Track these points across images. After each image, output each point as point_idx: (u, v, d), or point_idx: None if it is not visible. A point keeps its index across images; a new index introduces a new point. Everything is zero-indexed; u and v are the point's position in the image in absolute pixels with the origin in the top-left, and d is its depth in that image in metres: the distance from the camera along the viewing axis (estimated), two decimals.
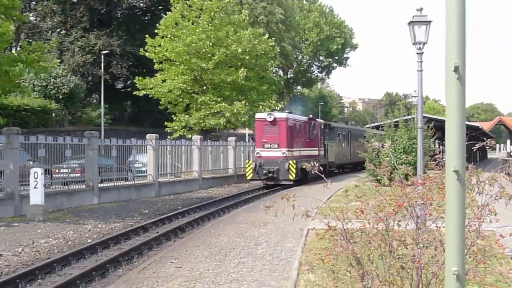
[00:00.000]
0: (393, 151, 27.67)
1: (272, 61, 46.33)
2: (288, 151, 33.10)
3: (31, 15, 56.25)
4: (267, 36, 44.23)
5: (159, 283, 10.16)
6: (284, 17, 62.99)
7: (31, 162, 22.46)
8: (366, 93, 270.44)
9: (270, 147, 33.07)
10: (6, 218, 19.58)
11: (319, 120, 41.90)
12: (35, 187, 19.72)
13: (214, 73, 39.29)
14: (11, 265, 12.86)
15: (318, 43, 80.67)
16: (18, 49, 24.42)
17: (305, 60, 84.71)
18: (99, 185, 25.99)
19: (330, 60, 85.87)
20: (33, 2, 54.48)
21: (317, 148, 38.69)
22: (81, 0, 53.68)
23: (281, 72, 76.57)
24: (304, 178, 33.82)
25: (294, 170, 31.95)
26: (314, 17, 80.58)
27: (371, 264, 7.08)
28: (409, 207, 6.75)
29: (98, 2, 53.81)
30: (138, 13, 60.20)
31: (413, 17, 14.99)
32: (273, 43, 44.31)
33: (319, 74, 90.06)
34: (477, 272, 6.67)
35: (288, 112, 36.12)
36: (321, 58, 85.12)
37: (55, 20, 55.63)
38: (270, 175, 32.46)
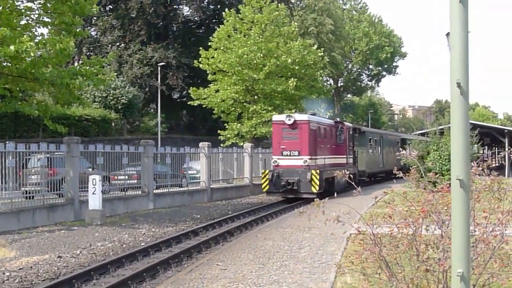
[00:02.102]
0: (438, 157, 28.09)
1: (321, 71, 46.74)
2: (311, 159, 28.60)
3: (92, 30, 58.30)
4: (316, 46, 44.76)
5: (204, 284, 10.77)
6: (334, 27, 63.48)
7: (90, 169, 23.53)
8: (416, 100, 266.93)
9: (290, 155, 28.52)
10: (66, 222, 20.56)
11: (347, 123, 36.75)
12: (93, 193, 20.65)
13: (265, 83, 40.02)
14: (69, 266, 13.68)
15: (368, 52, 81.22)
16: (80, 62, 25.63)
17: (355, 69, 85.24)
18: (155, 191, 26.94)
19: (380, 68, 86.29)
20: (94, 18, 56.33)
21: (345, 156, 34.11)
22: (139, 15, 55.27)
23: (331, 81, 77.08)
24: (329, 191, 28.32)
25: (317, 181, 27.48)
26: (363, 27, 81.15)
27: (399, 267, 7.53)
28: (434, 213, 7.17)
29: (155, 17, 55.38)
30: (193, 27, 61.51)
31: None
32: (322, 53, 44.73)
33: (368, 82, 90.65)
34: (499, 276, 7.05)
35: (311, 114, 31.31)
36: (370, 66, 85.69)
37: (114, 34, 57.44)
38: (289, 187, 27.87)
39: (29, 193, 21.10)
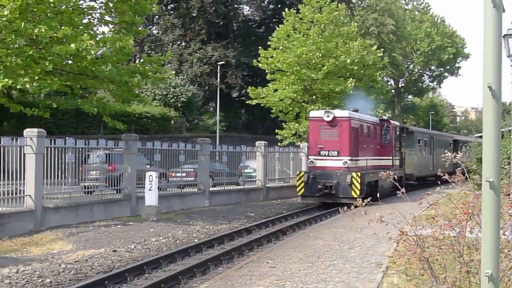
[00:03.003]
0: None
1: (380, 72, 46.31)
2: (351, 160, 26.14)
3: (154, 28, 59.43)
4: (375, 47, 44.42)
5: (252, 281, 10.92)
6: (395, 28, 62.92)
7: (148, 166, 24.04)
8: (479, 102, 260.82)
9: (328, 155, 26.16)
10: (123, 218, 21.03)
11: (393, 122, 34.02)
12: (149, 189, 21.09)
13: (324, 83, 39.91)
14: (123, 260, 14.05)
15: (430, 53, 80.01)
16: (141, 61, 26.25)
17: (416, 70, 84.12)
18: (211, 188, 27.30)
19: (442, 69, 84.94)
20: (156, 17, 57.40)
21: (391, 157, 31.31)
22: (200, 14, 55.96)
23: (392, 82, 76.32)
24: (371, 196, 26.99)
25: (358, 185, 25.04)
26: (425, 27, 79.94)
27: (441, 268, 7.53)
28: (476, 215, 7.15)
29: (216, 16, 56.02)
30: (253, 26, 61.94)
31: (508, 30, 15.09)
32: (382, 53, 44.34)
33: (430, 84, 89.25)
34: None
35: (353, 111, 28.43)
36: (432, 67, 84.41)
37: (175, 33, 58.34)
38: (327, 191, 25.43)
39: (88, 188, 21.70)
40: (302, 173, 26.59)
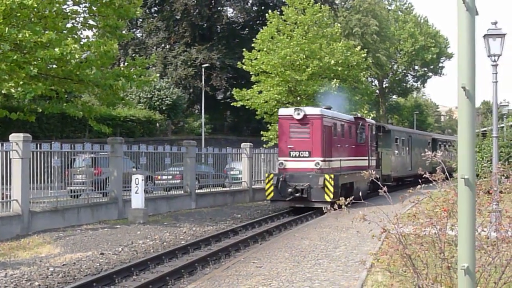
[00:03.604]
0: (481, 159, 27.72)
1: (364, 72, 46.57)
2: (324, 161, 24.30)
3: (138, 31, 59.43)
4: (359, 47, 44.70)
5: (239, 281, 11.08)
6: (379, 28, 63.35)
7: (134, 169, 24.11)
8: None
9: (299, 156, 24.31)
10: (110, 221, 21.11)
11: (369, 120, 32.27)
12: (136, 192, 21.15)
13: (308, 84, 40.08)
14: (111, 263, 14.17)
15: (413, 53, 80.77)
16: (126, 64, 26.30)
17: (400, 70, 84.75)
18: (197, 191, 27.41)
19: (426, 69, 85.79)
20: (140, 20, 57.40)
21: (367, 157, 29.51)
22: (184, 17, 56.05)
23: (376, 82, 76.84)
24: (347, 199, 25.47)
25: (331, 188, 23.39)
26: (409, 27, 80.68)
27: (424, 264, 7.71)
28: (455, 212, 7.32)
29: (199, 18, 56.13)
30: (237, 28, 62.09)
31: (488, 30, 15.35)
32: (365, 54, 44.62)
33: (414, 83, 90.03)
34: None
35: (326, 108, 26.70)
36: (416, 67, 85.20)
37: (159, 36, 58.38)
38: (298, 194, 23.67)
39: (75, 192, 21.75)
40: (272, 175, 24.61)
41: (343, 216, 8.18)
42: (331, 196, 22.98)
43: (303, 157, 24.28)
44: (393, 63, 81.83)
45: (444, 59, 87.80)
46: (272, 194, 24.29)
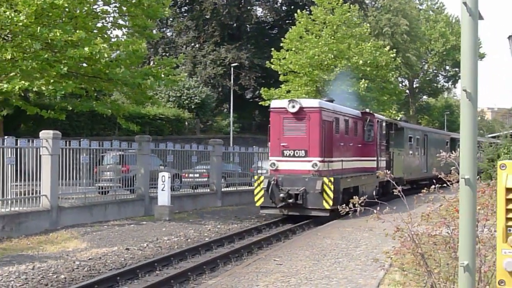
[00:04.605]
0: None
1: (393, 72, 46.43)
2: (323, 161, 21.07)
3: (168, 31, 59.99)
4: (389, 47, 44.65)
5: (259, 277, 11.30)
6: (409, 28, 63.02)
7: (161, 167, 24.48)
8: (496, 102, 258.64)
9: (293, 155, 21.14)
10: (136, 217, 21.50)
11: (379, 116, 28.52)
12: (162, 190, 21.51)
13: (336, 84, 40.21)
14: (135, 258, 14.46)
15: (444, 53, 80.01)
16: (154, 63, 26.76)
17: (430, 70, 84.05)
18: (223, 189, 27.71)
19: (457, 69, 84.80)
20: (170, 19, 57.92)
21: (375, 158, 26.00)
22: (213, 16, 56.42)
23: (406, 82, 76.42)
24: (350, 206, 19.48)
25: (331, 193, 20.24)
26: (440, 27, 79.96)
27: (436, 263, 7.85)
28: None
29: (229, 18, 56.44)
30: (266, 27, 62.28)
31: None
32: (394, 54, 44.53)
33: (445, 84, 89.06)
34: None
35: (327, 100, 23.76)
36: (447, 67, 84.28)
37: (189, 35, 58.86)
38: (291, 200, 20.41)
39: (103, 188, 22.18)
40: (262, 178, 21.42)
41: (367, 215, 8.18)
42: (331, 202, 20.15)
43: (299, 157, 21.11)
44: (423, 63, 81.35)
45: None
46: (262, 199, 21.04)
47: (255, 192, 21.35)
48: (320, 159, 20.93)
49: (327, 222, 19.88)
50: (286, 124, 21.33)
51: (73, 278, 12.06)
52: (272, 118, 21.85)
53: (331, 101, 23.97)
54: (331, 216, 20.46)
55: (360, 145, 25.33)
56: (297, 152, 21.14)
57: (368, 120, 25.92)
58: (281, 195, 20.39)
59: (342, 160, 22.65)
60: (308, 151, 20.99)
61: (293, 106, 21.03)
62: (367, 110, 28.51)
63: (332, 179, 20.48)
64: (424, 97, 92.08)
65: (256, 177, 22.71)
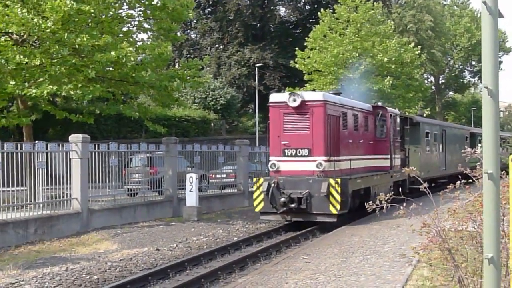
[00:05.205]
0: None
1: (418, 69, 46.16)
2: (328, 161, 19.10)
3: (192, 33, 60.42)
4: (413, 44, 44.49)
5: (288, 275, 11.43)
6: (434, 24, 62.65)
7: (189, 168, 24.72)
8: None
9: (295, 155, 19.17)
10: (165, 218, 21.73)
11: (392, 110, 26.10)
12: (190, 191, 21.73)
13: (361, 82, 40.18)
14: (165, 258, 14.68)
15: (470, 48, 79.19)
16: (180, 65, 27.03)
17: (456, 66, 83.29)
18: (250, 189, 27.84)
19: None
20: (194, 21, 58.32)
21: (388, 156, 24.05)
22: (237, 17, 56.73)
23: (432, 79, 75.92)
24: (360, 209, 18.71)
25: (338, 197, 18.24)
26: (465, 22, 79.16)
27: (462, 257, 7.93)
28: None
29: (252, 18, 56.75)
30: (290, 27, 62.39)
31: None
32: (419, 51, 44.34)
33: (471, 79, 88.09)
34: None
35: (333, 93, 21.78)
36: (473, 63, 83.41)
37: (213, 36, 59.29)
38: (294, 205, 18.42)
39: (132, 190, 22.48)
40: (261, 180, 19.36)
41: (394, 212, 8.20)
42: (338, 206, 18.26)
43: (301, 156, 19.15)
44: (449, 58, 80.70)
45: (502, 54, 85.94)
46: (262, 204, 19.10)
47: (254, 196, 19.49)
48: (325, 158, 18.98)
49: (335, 229, 18.13)
50: (287, 120, 19.33)
51: (106, 279, 12.31)
52: (272, 114, 19.97)
53: (338, 94, 22.29)
54: (339, 221, 18.85)
55: (371, 142, 23.39)
56: (299, 151, 19.18)
57: (380, 115, 23.97)
58: (282, 199, 18.44)
59: (350, 159, 20.43)
60: (312, 149, 19.03)
61: (294, 100, 19.01)
62: (379, 103, 26.13)
63: (339, 180, 18.45)
64: (450, 93, 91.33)
65: (255, 179, 20.27)
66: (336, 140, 19.86)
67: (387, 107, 25.34)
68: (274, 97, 20.53)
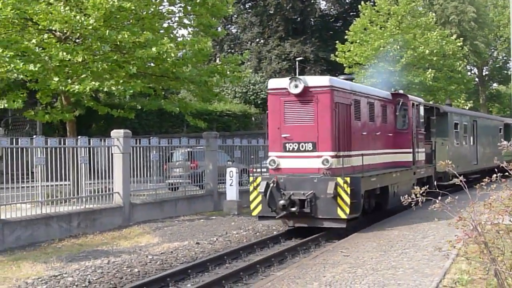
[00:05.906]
0: None
1: (460, 61, 45.49)
2: (337, 156, 16.28)
3: (232, 27, 60.68)
4: (455, 36, 43.90)
5: (326, 269, 11.48)
6: (477, 15, 61.56)
7: (230, 163, 24.88)
8: None
9: (298, 150, 16.44)
10: (206, 212, 21.92)
11: (414, 98, 22.89)
12: (230, 185, 21.90)
13: (402, 75, 39.86)
14: (205, 252, 14.83)
15: None
16: (220, 61, 27.26)
17: (500, 57, 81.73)
18: None
19: None
20: (234, 16, 58.56)
21: (410, 149, 21.18)
22: (277, 11, 56.78)
23: (475, 70, 74.72)
24: (377, 212, 18.55)
25: (347, 198, 15.63)
26: (508, 13, 77.55)
27: (499, 251, 7.88)
28: None
29: (293, 12, 56.71)
30: (330, 20, 62.21)
31: None
32: (461, 42, 43.70)
33: None
34: None
35: (345, 79, 19.06)
36: None
37: (254, 31, 59.49)
38: (295, 208, 15.89)
39: (173, 185, 22.75)
40: (258, 179, 16.75)
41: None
42: (347, 210, 15.68)
43: (305, 151, 16.46)
44: (492, 50, 79.18)
45: None
46: (259, 207, 16.77)
47: (251, 198, 17.03)
48: (332, 153, 16.21)
49: (346, 236, 15.85)
50: (287, 109, 16.62)
51: (147, 272, 12.53)
52: (270, 102, 17.09)
53: (351, 79, 19.86)
54: (349, 227, 16.42)
55: (390, 135, 20.67)
56: (302, 146, 16.47)
57: (400, 103, 20.90)
58: (281, 202, 15.94)
59: (362, 154, 17.38)
60: (317, 143, 16.32)
61: (296, 86, 16.24)
62: (401, 91, 22.86)
63: (348, 179, 15.75)
64: (494, 84, 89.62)
65: (251, 178, 17.50)
66: (346, 132, 17.15)
67: (408, 95, 22.41)
68: (272, 83, 17.43)
